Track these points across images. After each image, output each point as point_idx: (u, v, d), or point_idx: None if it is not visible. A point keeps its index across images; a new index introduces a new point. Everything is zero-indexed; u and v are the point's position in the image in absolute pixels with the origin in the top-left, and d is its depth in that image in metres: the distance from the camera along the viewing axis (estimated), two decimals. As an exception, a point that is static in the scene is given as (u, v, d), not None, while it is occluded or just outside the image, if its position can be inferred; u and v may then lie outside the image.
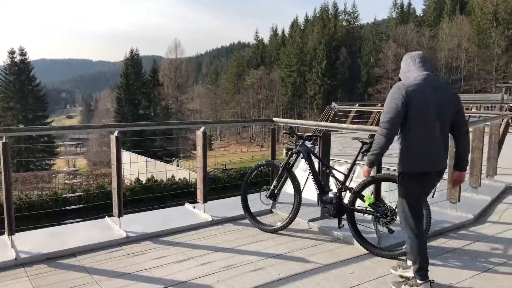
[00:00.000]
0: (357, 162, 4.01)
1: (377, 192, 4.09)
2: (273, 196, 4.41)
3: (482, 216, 4.92)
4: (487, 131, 6.23)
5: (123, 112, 55.97)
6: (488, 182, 6.36)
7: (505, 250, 3.91)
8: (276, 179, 4.42)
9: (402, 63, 3.19)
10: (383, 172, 4.19)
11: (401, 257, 3.58)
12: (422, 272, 3.00)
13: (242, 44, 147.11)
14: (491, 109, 21.24)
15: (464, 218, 4.69)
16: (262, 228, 4.36)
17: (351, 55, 69.34)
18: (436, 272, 3.37)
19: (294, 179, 4.32)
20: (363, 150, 3.92)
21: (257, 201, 4.45)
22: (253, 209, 4.51)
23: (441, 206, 4.91)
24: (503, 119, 7.55)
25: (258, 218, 4.51)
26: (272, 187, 4.39)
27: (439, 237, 4.19)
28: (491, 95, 44.60)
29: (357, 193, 3.80)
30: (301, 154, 4.26)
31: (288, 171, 4.34)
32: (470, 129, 5.84)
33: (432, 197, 6.28)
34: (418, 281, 3.00)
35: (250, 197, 4.53)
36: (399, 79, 3.14)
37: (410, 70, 3.07)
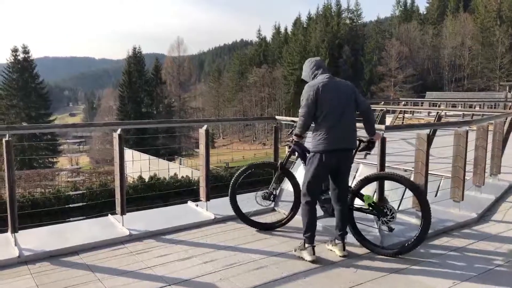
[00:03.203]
0: (361, 161, 3.99)
1: (380, 191, 4.08)
2: (271, 195, 4.38)
3: (485, 215, 4.90)
4: (490, 129, 6.20)
5: (126, 110, 56.01)
6: (492, 180, 6.33)
7: (509, 249, 3.89)
8: (274, 179, 4.40)
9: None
10: (386, 170, 4.18)
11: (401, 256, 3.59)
12: (307, 236, 3.62)
13: (245, 42, 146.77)
14: (495, 108, 21.19)
15: (467, 217, 4.66)
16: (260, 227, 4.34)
17: (354, 53, 69.14)
18: (439, 271, 3.36)
19: (292, 178, 4.31)
20: (360, 148, 3.91)
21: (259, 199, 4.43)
22: (255, 208, 4.49)
23: (444, 205, 4.89)
24: (507, 118, 7.50)
25: (260, 216, 4.49)
26: (270, 186, 4.37)
27: (442, 236, 4.17)
28: (495, 93, 44.50)
29: (356, 192, 3.79)
30: (296, 152, 4.20)
31: (285, 170, 4.32)
32: (474, 127, 5.84)
33: (436, 196, 6.27)
34: (305, 245, 3.60)
35: (251, 195, 4.51)
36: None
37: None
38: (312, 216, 3.72)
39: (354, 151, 3.79)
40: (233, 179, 4.37)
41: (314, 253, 3.57)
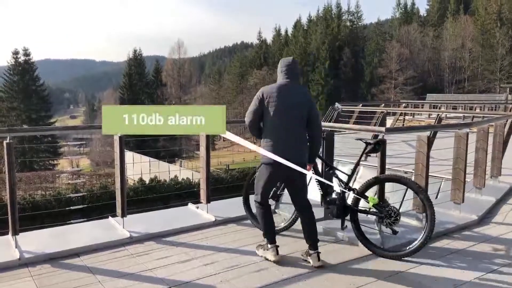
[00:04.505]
0: (360, 162, 3.99)
1: (381, 193, 4.08)
2: (276, 197, 4.40)
3: (486, 217, 4.90)
4: (491, 131, 6.20)
5: (126, 112, 56.03)
6: (492, 183, 6.33)
7: (509, 251, 3.89)
8: None
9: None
10: (387, 172, 4.18)
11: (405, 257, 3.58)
12: (268, 237, 3.63)
13: (245, 44, 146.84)
14: (495, 110, 21.17)
15: (468, 219, 4.67)
16: None
17: (354, 55, 69.13)
18: (439, 273, 3.36)
19: None
20: (367, 150, 3.90)
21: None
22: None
23: (445, 207, 4.89)
24: (507, 120, 7.50)
25: None
26: (274, 188, 4.37)
27: (443, 238, 4.17)
28: (495, 95, 44.45)
29: (361, 194, 3.78)
30: None
31: None
32: (474, 129, 5.84)
33: (436, 198, 6.27)
34: (268, 245, 3.61)
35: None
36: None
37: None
38: (267, 216, 3.68)
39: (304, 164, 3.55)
40: (247, 178, 4.52)
41: (277, 253, 3.57)
